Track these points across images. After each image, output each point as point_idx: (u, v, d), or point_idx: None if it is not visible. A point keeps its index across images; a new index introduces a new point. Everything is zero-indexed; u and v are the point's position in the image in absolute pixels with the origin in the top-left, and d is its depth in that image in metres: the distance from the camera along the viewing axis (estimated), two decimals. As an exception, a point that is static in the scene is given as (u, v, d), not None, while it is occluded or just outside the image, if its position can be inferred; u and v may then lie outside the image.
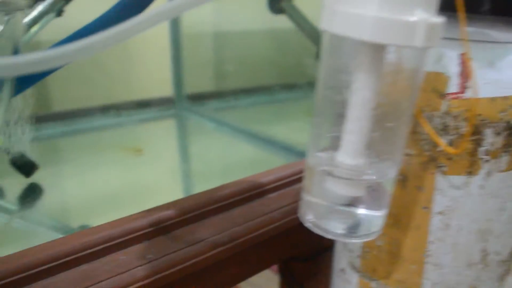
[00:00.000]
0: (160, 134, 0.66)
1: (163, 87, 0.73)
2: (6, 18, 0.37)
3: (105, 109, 0.66)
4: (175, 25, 0.69)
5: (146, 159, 0.53)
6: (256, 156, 0.56)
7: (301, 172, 0.46)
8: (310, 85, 0.75)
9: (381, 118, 0.20)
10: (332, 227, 0.23)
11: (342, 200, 0.22)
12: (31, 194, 0.45)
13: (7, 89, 0.32)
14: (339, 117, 0.20)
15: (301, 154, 0.56)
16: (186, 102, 0.73)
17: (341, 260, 0.34)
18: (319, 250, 0.50)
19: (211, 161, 0.53)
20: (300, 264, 0.52)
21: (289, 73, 0.76)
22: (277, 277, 0.51)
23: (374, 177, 0.22)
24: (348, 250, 0.33)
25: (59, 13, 0.54)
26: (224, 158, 0.54)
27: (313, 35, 0.65)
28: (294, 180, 0.46)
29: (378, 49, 0.19)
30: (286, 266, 0.54)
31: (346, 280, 0.33)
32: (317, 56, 0.66)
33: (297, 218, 0.42)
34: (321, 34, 0.20)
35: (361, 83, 0.19)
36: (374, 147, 0.21)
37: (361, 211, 0.23)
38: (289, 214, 0.41)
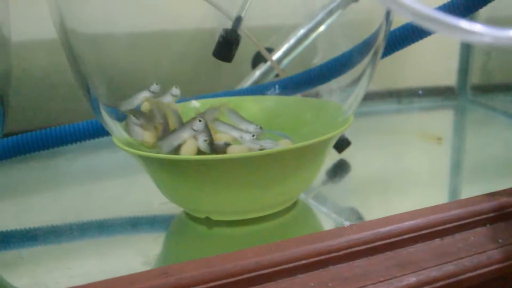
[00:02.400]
0: (450, 124, 0.66)
1: (445, 76, 0.72)
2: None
3: (386, 95, 0.68)
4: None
5: (447, 148, 0.54)
6: None
7: None
8: None
9: None
10: None
11: None
12: (340, 170, 0.48)
13: (374, 57, 0.34)
14: None
15: None
16: (470, 93, 0.72)
17: None
18: None
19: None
20: None
21: None
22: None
23: None
24: None
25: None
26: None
27: None
28: None
29: None
30: None
31: None
32: None
33: None
34: None
35: None
36: None
37: None
38: None
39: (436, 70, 0.72)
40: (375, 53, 0.34)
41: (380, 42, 0.34)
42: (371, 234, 0.30)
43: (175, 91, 0.37)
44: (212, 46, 0.46)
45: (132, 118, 0.34)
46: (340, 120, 0.36)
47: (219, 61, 0.48)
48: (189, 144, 0.32)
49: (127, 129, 0.34)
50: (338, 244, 0.29)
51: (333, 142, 0.35)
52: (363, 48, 0.36)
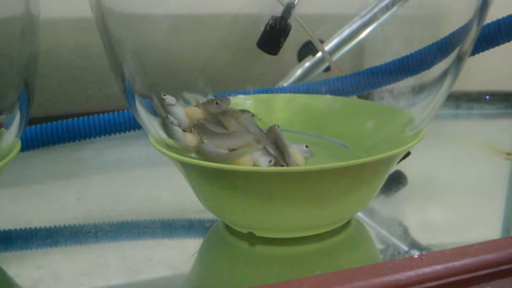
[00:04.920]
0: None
1: (509, 81, 0.69)
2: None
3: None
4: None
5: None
6: None
7: None
8: None
9: None
10: None
11: None
12: (396, 183, 0.45)
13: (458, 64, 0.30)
14: None
15: None
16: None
17: None
18: None
19: None
20: None
21: None
22: None
23: None
24: None
25: None
26: None
27: None
28: None
29: None
30: None
31: None
32: None
33: None
34: None
35: None
36: None
37: None
38: None
39: (500, 75, 0.68)
40: (459, 59, 0.30)
41: (467, 47, 0.30)
42: (445, 268, 0.27)
43: (171, 99, 0.34)
44: (253, 33, 0.43)
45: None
46: (411, 133, 0.33)
47: (260, 51, 0.45)
48: None
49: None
50: (406, 279, 0.26)
51: (400, 157, 0.32)
52: (440, 50, 0.32)
